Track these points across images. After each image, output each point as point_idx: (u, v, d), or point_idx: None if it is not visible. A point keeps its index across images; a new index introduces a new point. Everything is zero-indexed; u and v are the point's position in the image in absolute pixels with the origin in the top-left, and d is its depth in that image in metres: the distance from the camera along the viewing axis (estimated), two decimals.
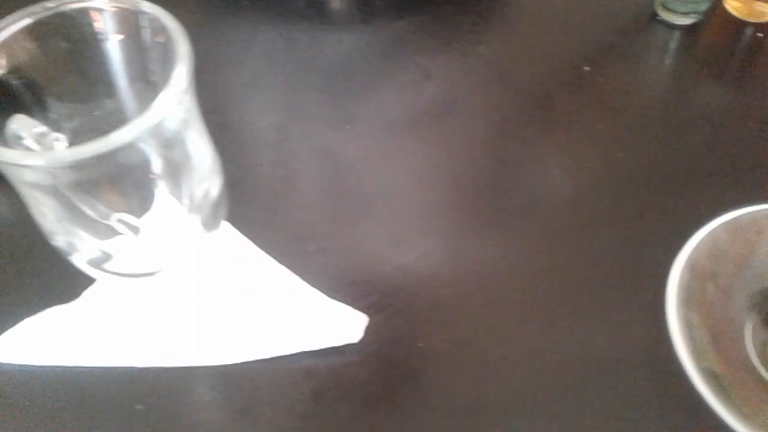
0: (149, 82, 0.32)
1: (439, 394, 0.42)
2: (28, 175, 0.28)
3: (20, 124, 0.32)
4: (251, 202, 0.51)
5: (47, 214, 0.32)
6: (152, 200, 0.36)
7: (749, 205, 0.46)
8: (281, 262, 0.46)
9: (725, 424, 0.37)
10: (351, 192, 0.52)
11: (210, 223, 0.37)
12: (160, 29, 0.30)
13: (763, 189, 0.50)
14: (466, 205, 0.51)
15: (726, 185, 0.51)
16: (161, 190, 0.36)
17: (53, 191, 0.30)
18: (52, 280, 0.46)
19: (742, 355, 0.42)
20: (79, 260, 0.35)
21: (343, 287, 0.46)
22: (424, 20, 0.63)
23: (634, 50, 0.61)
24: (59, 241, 0.34)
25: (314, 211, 0.51)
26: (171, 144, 0.32)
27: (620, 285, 0.46)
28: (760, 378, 0.41)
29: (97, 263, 0.35)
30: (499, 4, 0.65)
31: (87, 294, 0.45)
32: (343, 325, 0.43)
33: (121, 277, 0.37)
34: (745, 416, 0.38)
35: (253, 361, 0.43)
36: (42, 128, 0.32)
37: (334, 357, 0.43)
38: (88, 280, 0.44)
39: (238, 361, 0.43)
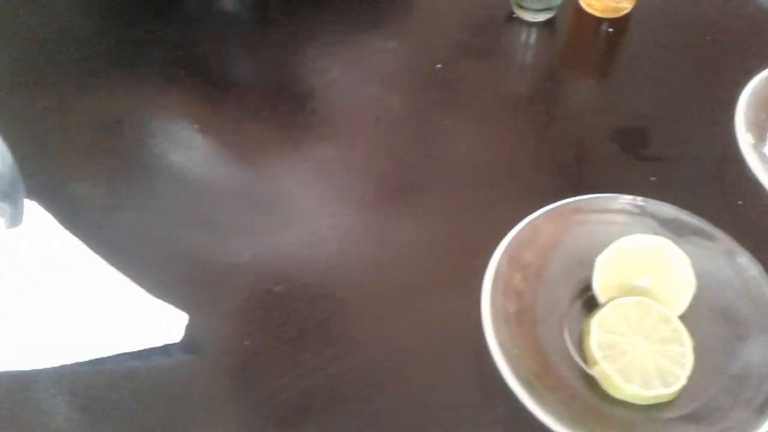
0: None
1: (263, 390, 0.42)
2: None
3: None
4: (86, 202, 0.50)
5: None
6: None
7: (578, 195, 0.47)
8: (113, 261, 0.46)
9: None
10: (187, 193, 0.51)
11: (9, 216, 0.37)
12: None
13: (595, 180, 0.51)
14: (302, 203, 0.51)
15: (560, 176, 0.52)
16: None
17: None
18: None
19: (559, 342, 0.43)
20: None
21: (173, 287, 0.45)
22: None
23: (489, 48, 0.62)
24: None
25: (149, 211, 0.50)
26: None
27: (451, 275, 0.47)
28: (575, 365, 0.42)
29: None
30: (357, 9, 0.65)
31: None
32: (162, 324, 0.43)
33: None
34: (552, 403, 0.38)
35: (72, 364, 0.42)
36: None
37: (158, 357, 0.43)
38: None
39: (56, 365, 0.42)
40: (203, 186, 0.52)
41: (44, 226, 0.46)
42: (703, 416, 0.39)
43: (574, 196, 0.47)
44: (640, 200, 0.46)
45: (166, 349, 0.43)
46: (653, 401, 0.40)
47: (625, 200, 0.46)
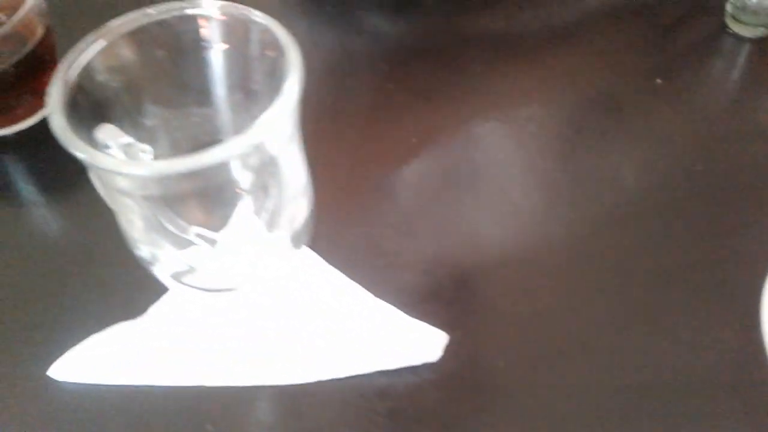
0: (250, 92, 0.31)
1: (518, 417, 0.41)
2: (123, 184, 0.27)
3: (107, 133, 0.31)
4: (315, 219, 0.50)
5: (135, 222, 0.31)
6: (232, 214, 0.35)
7: None
8: (352, 278, 0.45)
9: None
10: (417, 204, 0.50)
11: (291, 245, 0.36)
12: (270, 41, 0.29)
13: None
14: (541, 217, 0.49)
15: None
16: (244, 205, 0.34)
17: (144, 201, 0.29)
18: (115, 294, 0.45)
19: None
20: (161, 271, 0.34)
21: (417, 303, 0.44)
22: None
23: (704, 63, 0.59)
24: (143, 250, 0.33)
25: (380, 225, 0.49)
26: (267, 162, 0.30)
27: (705, 301, 0.44)
28: None
29: (178, 276, 0.34)
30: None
31: (153, 310, 0.44)
32: (421, 343, 0.42)
33: (199, 291, 0.36)
34: None
35: (326, 381, 0.41)
36: (128, 139, 0.31)
37: (409, 376, 0.42)
38: (153, 296, 0.43)
39: (312, 381, 0.41)
40: (427, 198, 0.51)
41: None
42: None
43: None
44: None
45: (415, 369, 0.42)
46: None
47: None
